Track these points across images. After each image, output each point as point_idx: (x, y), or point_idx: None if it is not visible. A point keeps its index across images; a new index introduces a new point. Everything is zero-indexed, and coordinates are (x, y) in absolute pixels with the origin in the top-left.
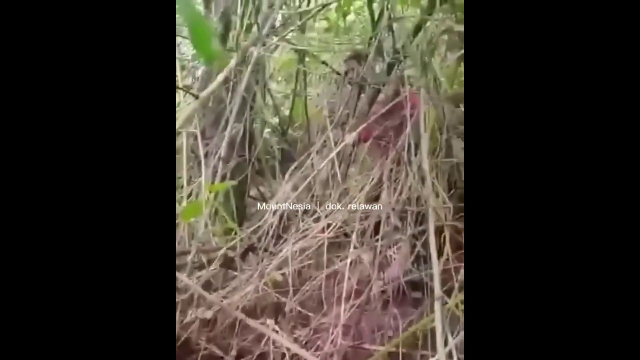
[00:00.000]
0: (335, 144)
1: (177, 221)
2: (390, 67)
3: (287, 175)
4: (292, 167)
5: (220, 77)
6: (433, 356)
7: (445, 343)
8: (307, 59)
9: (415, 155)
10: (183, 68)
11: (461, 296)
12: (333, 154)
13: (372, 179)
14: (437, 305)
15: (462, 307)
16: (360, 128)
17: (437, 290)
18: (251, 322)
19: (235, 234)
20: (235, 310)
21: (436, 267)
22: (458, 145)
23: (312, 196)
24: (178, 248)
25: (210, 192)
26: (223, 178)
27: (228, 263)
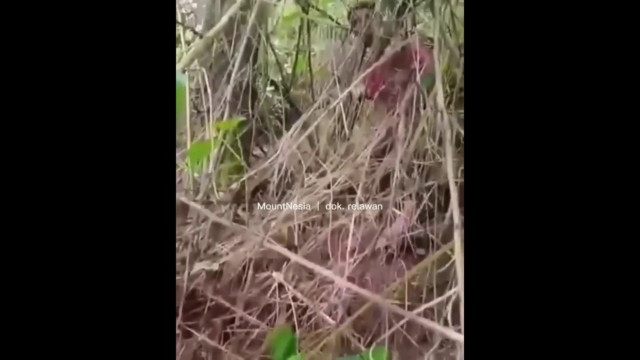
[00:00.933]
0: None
1: (184, 172)
2: (399, 15)
3: (291, 131)
4: (297, 124)
5: (224, 19)
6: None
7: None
8: (310, 11)
9: (424, 107)
10: (183, 20)
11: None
12: (339, 101)
13: (378, 134)
14: (456, 234)
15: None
16: (367, 71)
17: (456, 219)
18: (278, 248)
19: (243, 171)
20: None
21: (455, 198)
22: None
23: (317, 152)
24: (183, 200)
25: (218, 129)
26: (226, 133)
27: (234, 214)
